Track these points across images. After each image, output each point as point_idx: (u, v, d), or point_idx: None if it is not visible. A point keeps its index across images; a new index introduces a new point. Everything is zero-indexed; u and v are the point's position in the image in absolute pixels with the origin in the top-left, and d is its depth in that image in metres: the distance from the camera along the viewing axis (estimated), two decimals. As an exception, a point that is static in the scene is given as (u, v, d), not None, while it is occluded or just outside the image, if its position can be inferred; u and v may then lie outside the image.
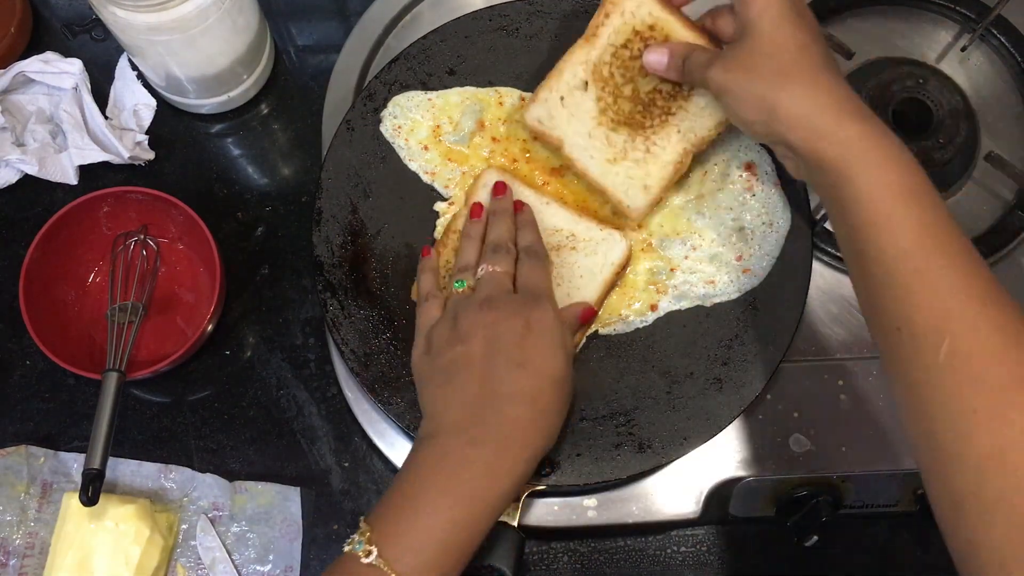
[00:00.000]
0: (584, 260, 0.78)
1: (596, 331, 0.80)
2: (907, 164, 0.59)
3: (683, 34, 0.75)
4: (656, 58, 0.73)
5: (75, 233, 0.84)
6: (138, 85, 0.93)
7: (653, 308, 0.80)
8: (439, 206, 0.82)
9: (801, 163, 0.65)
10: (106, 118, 0.92)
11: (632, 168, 0.78)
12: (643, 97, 0.77)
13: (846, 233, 0.61)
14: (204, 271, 0.87)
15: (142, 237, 0.85)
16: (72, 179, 0.91)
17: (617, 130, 0.78)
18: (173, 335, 0.86)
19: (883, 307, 0.58)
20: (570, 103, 0.78)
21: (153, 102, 0.93)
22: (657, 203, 0.79)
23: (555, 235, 0.79)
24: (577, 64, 0.78)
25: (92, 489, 0.73)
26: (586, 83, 0.78)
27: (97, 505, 0.78)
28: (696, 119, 0.77)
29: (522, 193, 0.80)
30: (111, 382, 0.76)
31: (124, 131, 0.92)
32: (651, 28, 0.76)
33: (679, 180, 0.79)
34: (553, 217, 0.79)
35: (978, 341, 0.54)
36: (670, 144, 0.77)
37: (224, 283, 0.83)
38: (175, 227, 0.87)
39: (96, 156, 0.90)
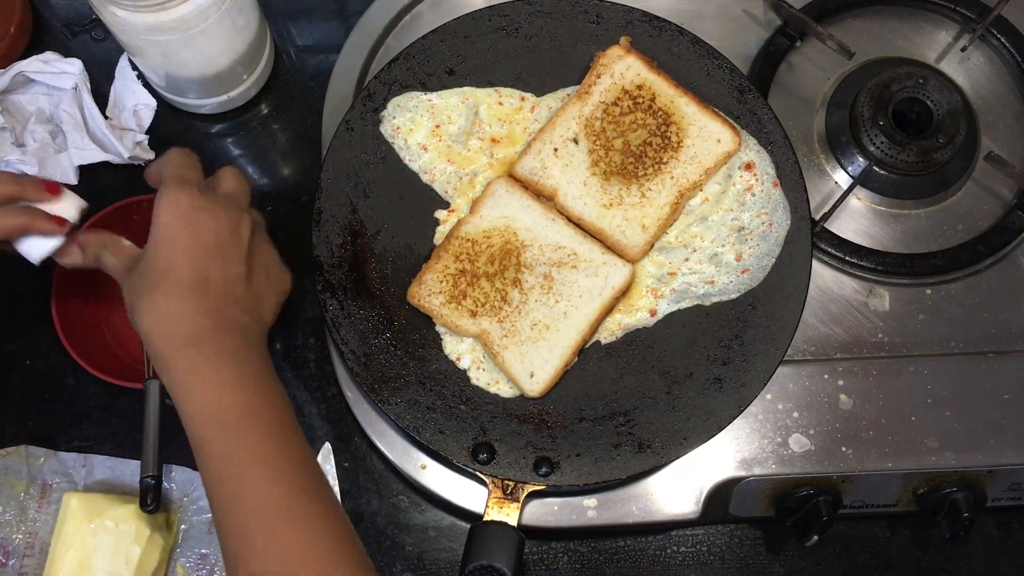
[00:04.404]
0: (584, 280, 0.78)
1: (598, 341, 0.80)
2: (229, 387, 0.63)
3: (668, 92, 0.81)
4: (70, 260, 0.72)
5: None
6: (138, 85, 0.93)
7: (652, 313, 0.80)
8: (439, 214, 0.82)
9: None
10: (106, 118, 0.92)
11: (629, 211, 0.79)
12: (634, 149, 0.80)
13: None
14: None
15: None
16: (72, 179, 0.91)
17: (610, 179, 0.80)
18: None
19: (214, 510, 0.64)
20: (563, 154, 0.80)
21: (153, 102, 0.93)
22: (656, 240, 0.80)
23: (557, 251, 0.79)
24: (570, 119, 0.81)
25: (151, 497, 0.75)
26: (577, 137, 0.80)
27: (97, 505, 0.78)
28: (687, 166, 0.79)
29: (528, 207, 0.80)
30: (155, 390, 0.77)
31: (124, 131, 0.92)
32: (639, 88, 0.80)
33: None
34: (557, 234, 0.79)
35: (264, 563, 0.60)
36: (665, 189, 0.79)
37: None
38: None
39: (96, 156, 0.90)
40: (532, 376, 0.77)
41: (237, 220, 0.68)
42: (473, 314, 0.78)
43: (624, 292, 0.79)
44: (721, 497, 0.81)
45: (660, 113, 0.81)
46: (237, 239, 0.67)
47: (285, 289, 0.73)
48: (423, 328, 0.80)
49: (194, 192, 0.66)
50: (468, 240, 0.79)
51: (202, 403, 0.63)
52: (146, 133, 0.93)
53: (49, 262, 0.73)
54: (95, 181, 0.92)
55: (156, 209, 0.66)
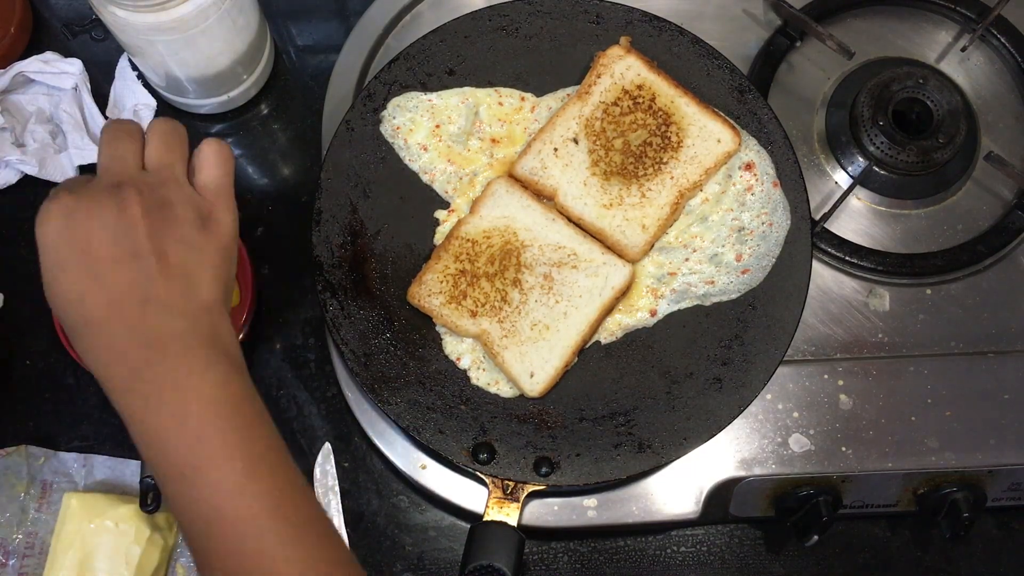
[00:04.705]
0: (584, 280, 0.78)
1: (598, 341, 0.80)
2: (172, 431, 0.54)
3: (668, 92, 0.80)
4: None
5: None
6: (138, 85, 0.93)
7: (652, 313, 0.80)
8: (439, 214, 0.82)
9: None
10: (106, 118, 0.92)
11: (629, 211, 0.79)
12: (634, 149, 0.80)
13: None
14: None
15: None
16: (72, 179, 0.91)
17: (610, 179, 0.80)
18: None
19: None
20: (563, 154, 0.80)
21: (153, 102, 0.93)
22: (656, 240, 0.80)
23: (557, 251, 0.79)
24: (570, 119, 0.81)
25: (151, 497, 0.74)
26: (577, 137, 0.80)
27: (97, 505, 0.78)
28: (688, 166, 0.79)
29: (528, 207, 0.80)
30: None
31: None
32: (639, 88, 0.80)
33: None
34: (557, 234, 0.79)
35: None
36: (665, 189, 0.79)
37: (254, 291, 0.83)
38: None
39: (96, 156, 0.90)
40: (532, 376, 0.77)
41: (118, 203, 0.56)
42: (473, 314, 0.78)
43: (624, 292, 0.79)
44: (721, 497, 0.81)
45: (660, 113, 0.81)
46: (126, 226, 0.56)
47: (220, 246, 0.60)
48: (423, 328, 0.80)
49: (62, 195, 0.57)
50: (468, 240, 0.79)
51: (155, 459, 0.55)
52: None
53: None
54: (95, 181, 0.92)
55: (36, 233, 0.56)
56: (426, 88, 0.84)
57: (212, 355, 0.56)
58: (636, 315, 0.80)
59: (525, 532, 0.74)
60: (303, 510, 0.56)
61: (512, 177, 0.81)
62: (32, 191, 0.92)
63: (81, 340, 0.56)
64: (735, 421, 0.76)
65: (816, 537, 0.77)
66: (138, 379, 0.54)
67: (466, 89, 0.84)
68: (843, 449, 0.80)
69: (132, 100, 0.93)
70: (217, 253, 0.59)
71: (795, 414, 0.82)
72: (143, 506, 0.75)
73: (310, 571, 0.54)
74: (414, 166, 0.83)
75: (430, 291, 0.78)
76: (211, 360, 0.56)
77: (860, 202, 0.90)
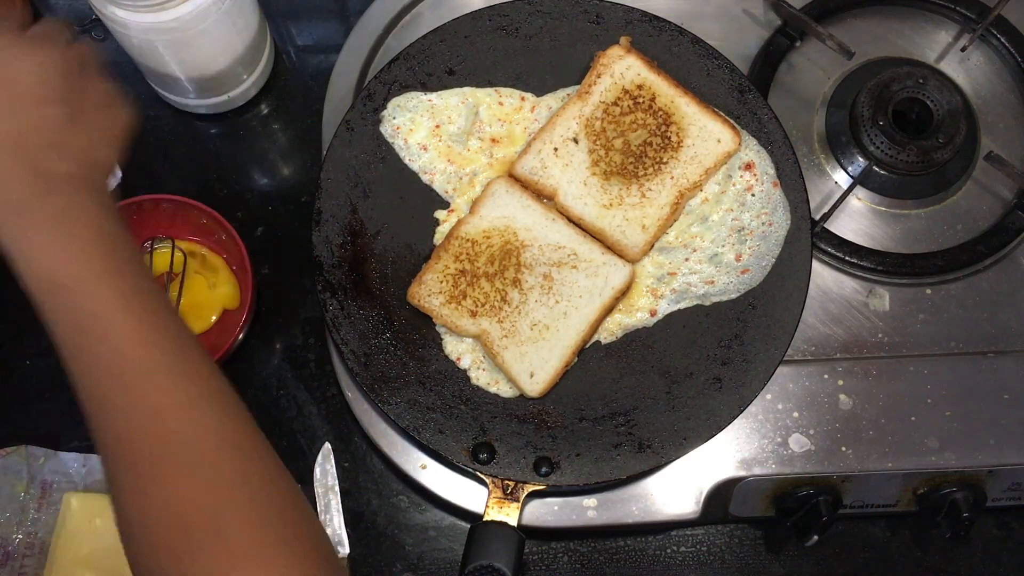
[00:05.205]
0: (584, 280, 0.78)
1: (598, 341, 0.80)
2: (65, 250, 0.57)
3: (668, 92, 0.80)
4: None
5: None
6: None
7: (652, 313, 0.80)
8: (439, 213, 0.82)
9: None
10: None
11: (629, 211, 0.79)
12: (634, 149, 0.80)
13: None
14: (233, 271, 0.88)
15: (171, 244, 0.86)
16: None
17: (610, 179, 0.80)
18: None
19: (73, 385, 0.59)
20: (564, 154, 0.80)
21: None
22: (656, 240, 0.80)
23: (557, 251, 0.79)
24: (570, 118, 0.81)
25: None
26: (577, 137, 0.80)
27: (97, 505, 0.78)
28: (688, 166, 0.79)
29: (528, 207, 0.80)
30: None
31: None
32: (639, 88, 0.80)
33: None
34: (556, 234, 0.79)
35: (129, 420, 0.58)
36: (665, 189, 0.79)
37: (254, 291, 0.83)
38: (201, 234, 0.87)
39: None
40: (532, 376, 0.77)
41: (48, 57, 0.60)
42: (473, 314, 0.78)
43: (624, 292, 0.79)
44: (721, 497, 0.81)
45: (660, 113, 0.81)
46: (49, 77, 0.59)
47: (121, 125, 0.64)
48: (423, 328, 0.80)
49: None
50: (468, 240, 0.79)
51: (38, 271, 0.56)
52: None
53: None
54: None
55: None
56: (426, 88, 0.84)
57: (102, 199, 0.59)
58: (636, 315, 0.80)
59: (525, 532, 0.74)
60: (192, 341, 0.59)
61: (512, 177, 0.81)
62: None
63: None
64: (735, 421, 0.76)
65: (816, 537, 0.77)
66: (29, 205, 0.56)
67: (466, 89, 0.84)
68: (843, 449, 0.80)
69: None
70: (113, 131, 0.63)
71: (795, 414, 0.82)
72: None
73: (190, 382, 0.57)
74: (414, 166, 0.83)
75: (430, 291, 0.78)
76: (95, 203, 0.58)
77: (860, 202, 0.90)
